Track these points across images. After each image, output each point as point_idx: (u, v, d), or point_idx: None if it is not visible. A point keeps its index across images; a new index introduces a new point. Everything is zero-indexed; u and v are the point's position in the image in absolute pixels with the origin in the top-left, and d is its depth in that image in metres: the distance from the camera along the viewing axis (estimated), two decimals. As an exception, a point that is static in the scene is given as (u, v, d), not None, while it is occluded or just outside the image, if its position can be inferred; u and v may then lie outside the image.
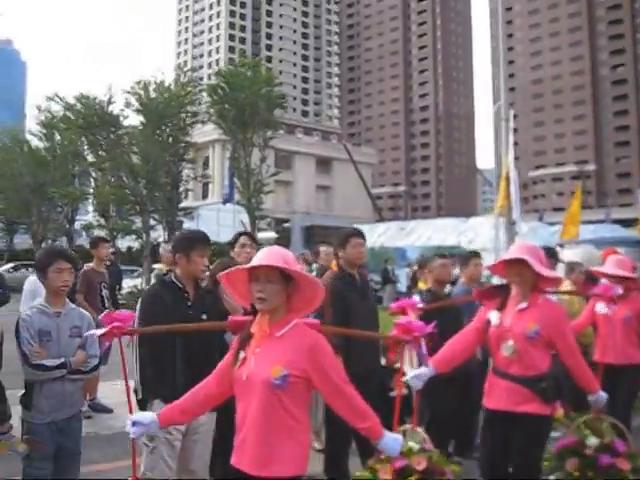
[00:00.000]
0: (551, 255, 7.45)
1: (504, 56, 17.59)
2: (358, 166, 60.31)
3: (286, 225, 38.92)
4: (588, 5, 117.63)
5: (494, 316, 4.28)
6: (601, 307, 6.08)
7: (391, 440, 3.03)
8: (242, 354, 2.98)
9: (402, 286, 24.11)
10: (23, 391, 4.29)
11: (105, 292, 8.35)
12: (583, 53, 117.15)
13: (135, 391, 4.22)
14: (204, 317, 4.26)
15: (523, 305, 4.20)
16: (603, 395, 4.32)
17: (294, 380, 2.87)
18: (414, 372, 3.97)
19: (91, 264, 8.52)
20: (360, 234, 5.65)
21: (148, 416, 3.03)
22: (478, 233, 35.81)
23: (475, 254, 7.16)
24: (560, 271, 7.68)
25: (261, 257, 2.95)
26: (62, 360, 4.09)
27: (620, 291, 5.74)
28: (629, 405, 6.05)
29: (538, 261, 4.13)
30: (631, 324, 6.01)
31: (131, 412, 3.11)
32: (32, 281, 8.11)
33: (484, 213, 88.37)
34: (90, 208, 48.13)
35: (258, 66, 37.23)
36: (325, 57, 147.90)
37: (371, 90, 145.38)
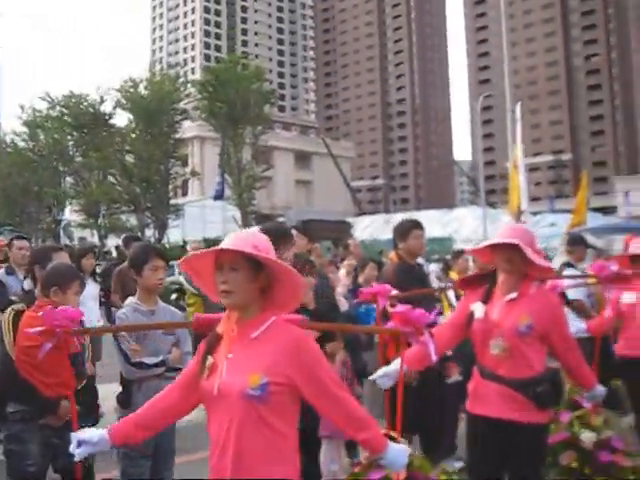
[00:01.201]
0: (580, 242, 7.77)
1: (507, 51, 17.54)
2: (337, 160, 60.66)
3: (281, 220, 39.24)
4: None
5: (478, 308, 3.67)
6: (628, 297, 5.54)
7: (396, 453, 2.61)
8: (210, 360, 2.48)
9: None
10: (120, 390, 4.29)
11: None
12: (557, 44, 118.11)
13: None
14: None
15: (513, 295, 3.61)
16: (601, 389, 3.86)
17: (276, 389, 2.37)
18: (383, 370, 3.42)
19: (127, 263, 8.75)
20: (420, 225, 5.66)
21: (97, 433, 2.57)
22: (463, 224, 36.38)
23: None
24: (589, 256, 8.04)
25: (226, 241, 2.46)
26: (161, 358, 4.09)
27: (615, 268, 5.44)
28: None
29: (530, 247, 3.57)
30: None
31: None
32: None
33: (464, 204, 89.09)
34: (69, 208, 47.96)
35: (245, 61, 37.53)
36: (301, 51, 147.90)
37: (348, 83, 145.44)
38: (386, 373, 3.41)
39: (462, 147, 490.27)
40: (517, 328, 3.52)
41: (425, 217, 41.36)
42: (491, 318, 3.60)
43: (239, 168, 34.72)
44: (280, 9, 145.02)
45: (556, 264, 9.14)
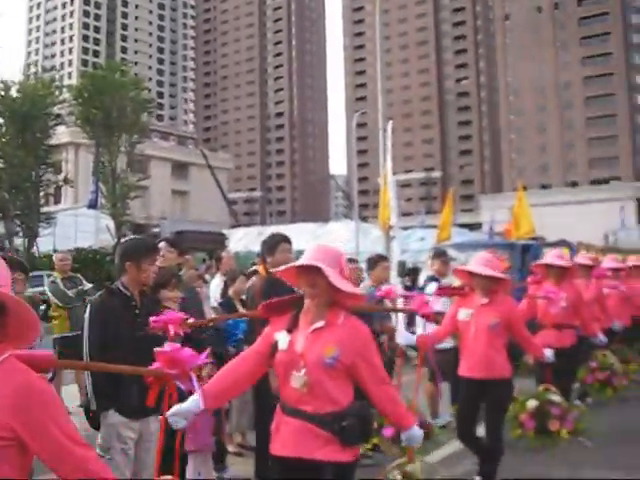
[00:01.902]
0: (442, 256, 8.19)
1: (381, 70, 17.82)
2: (214, 171, 60.41)
3: (155, 230, 38.67)
4: (435, 21, 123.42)
5: (282, 338, 3.28)
6: (464, 313, 5.41)
7: None
8: None
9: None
10: None
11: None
12: (430, 66, 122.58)
13: (86, 404, 4.23)
14: None
15: (319, 324, 3.23)
16: (417, 432, 3.45)
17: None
18: (176, 407, 2.98)
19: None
20: (288, 240, 5.63)
21: None
22: (336, 238, 37.03)
23: (383, 257, 7.47)
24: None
25: None
26: None
27: (437, 309, 5.41)
28: (499, 425, 5.39)
29: (338, 270, 3.19)
30: (498, 332, 5.29)
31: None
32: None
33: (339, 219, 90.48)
34: None
35: (124, 68, 36.99)
36: (181, 61, 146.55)
37: (227, 95, 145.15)
38: (177, 412, 2.99)
39: (338, 162, 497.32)
40: (322, 360, 3.15)
41: (299, 230, 41.94)
42: (295, 349, 3.22)
43: (114, 177, 34.15)
44: (161, 17, 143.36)
45: (422, 277, 9.59)
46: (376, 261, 7.16)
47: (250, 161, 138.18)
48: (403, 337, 6.13)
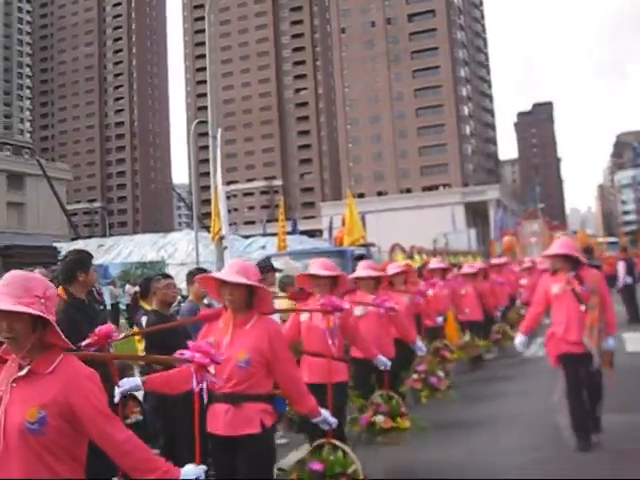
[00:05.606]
0: (269, 267, 7.67)
1: (211, 78, 17.23)
2: (52, 182, 59.09)
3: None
4: (275, 33, 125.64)
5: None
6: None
7: None
8: None
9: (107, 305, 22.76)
10: None
11: None
12: (270, 76, 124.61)
13: None
14: None
15: (22, 373, 2.57)
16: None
17: None
18: None
19: None
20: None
21: None
22: (177, 248, 37.37)
23: (202, 270, 6.68)
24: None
25: None
26: None
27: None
28: None
29: (42, 307, 2.58)
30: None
31: None
32: None
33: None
34: None
35: None
36: (16, 68, 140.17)
37: (65, 104, 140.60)
38: None
39: (181, 171, 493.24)
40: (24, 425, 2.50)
41: (140, 241, 41.84)
42: None
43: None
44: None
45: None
46: (195, 275, 6.32)
47: (90, 171, 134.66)
48: None
